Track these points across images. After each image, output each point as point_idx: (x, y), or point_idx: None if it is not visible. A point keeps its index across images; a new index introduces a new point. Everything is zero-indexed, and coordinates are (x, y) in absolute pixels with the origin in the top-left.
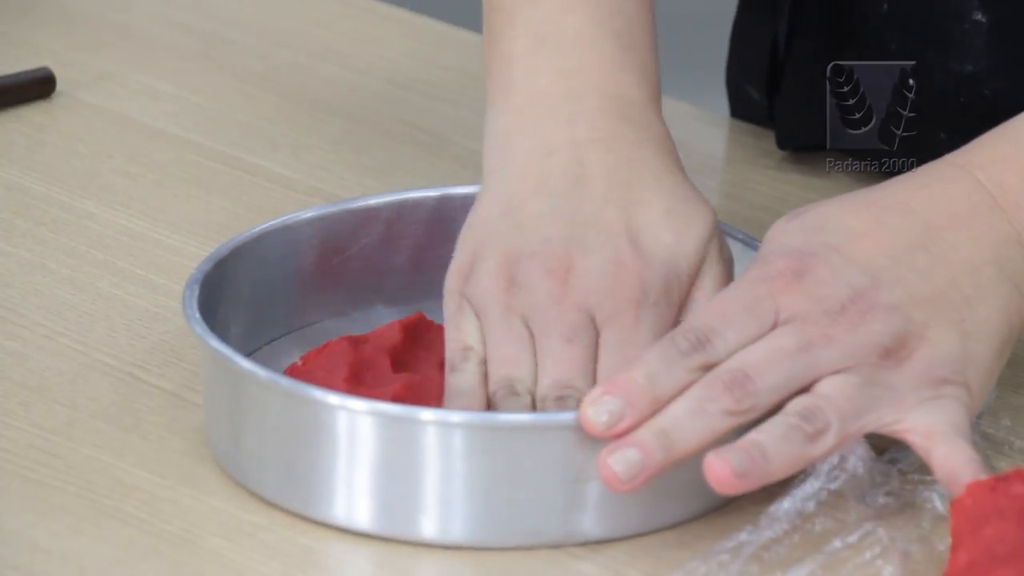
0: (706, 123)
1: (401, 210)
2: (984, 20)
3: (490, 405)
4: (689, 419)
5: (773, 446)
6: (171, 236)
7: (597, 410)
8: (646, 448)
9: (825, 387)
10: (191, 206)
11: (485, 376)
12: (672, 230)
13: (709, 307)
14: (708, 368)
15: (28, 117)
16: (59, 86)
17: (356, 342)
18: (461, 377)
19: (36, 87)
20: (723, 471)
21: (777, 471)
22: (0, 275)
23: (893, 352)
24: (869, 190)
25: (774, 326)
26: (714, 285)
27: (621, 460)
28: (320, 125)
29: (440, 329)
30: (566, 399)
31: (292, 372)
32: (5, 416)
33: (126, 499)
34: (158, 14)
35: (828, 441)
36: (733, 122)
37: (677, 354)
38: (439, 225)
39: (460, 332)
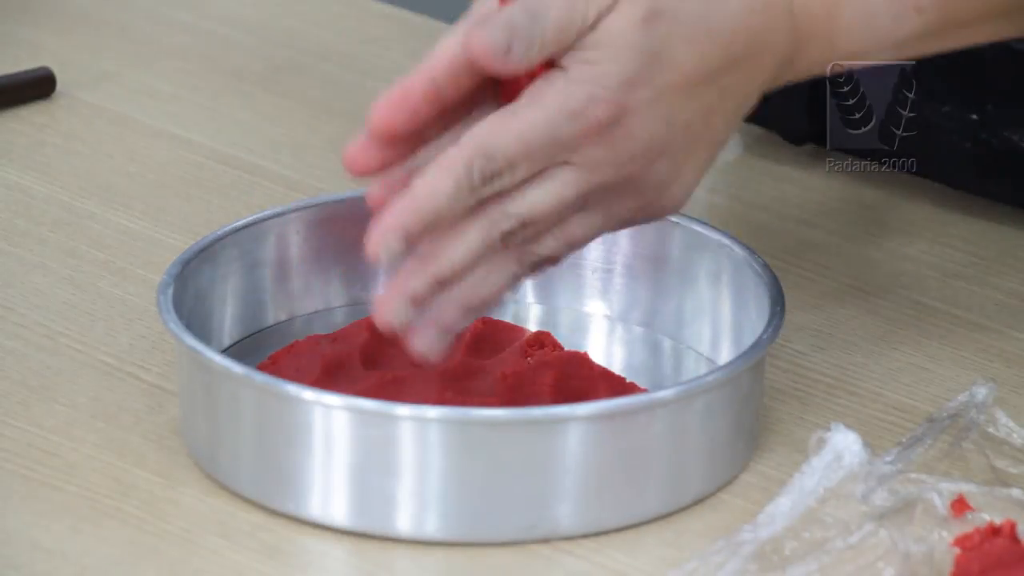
0: None
1: (354, 208)
2: None
3: None
4: (465, 270)
5: None
6: (171, 236)
7: (383, 248)
8: (419, 293)
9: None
10: (191, 206)
11: None
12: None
13: (515, 127)
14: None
15: (28, 117)
16: (59, 86)
17: (324, 340)
18: None
19: (36, 87)
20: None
21: None
22: (0, 275)
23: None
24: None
25: (564, 162)
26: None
27: (394, 312)
28: (320, 125)
29: None
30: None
31: (261, 369)
32: (5, 416)
33: (126, 499)
34: (158, 14)
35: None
36: None
37: (467, 190)
38: None
39: None
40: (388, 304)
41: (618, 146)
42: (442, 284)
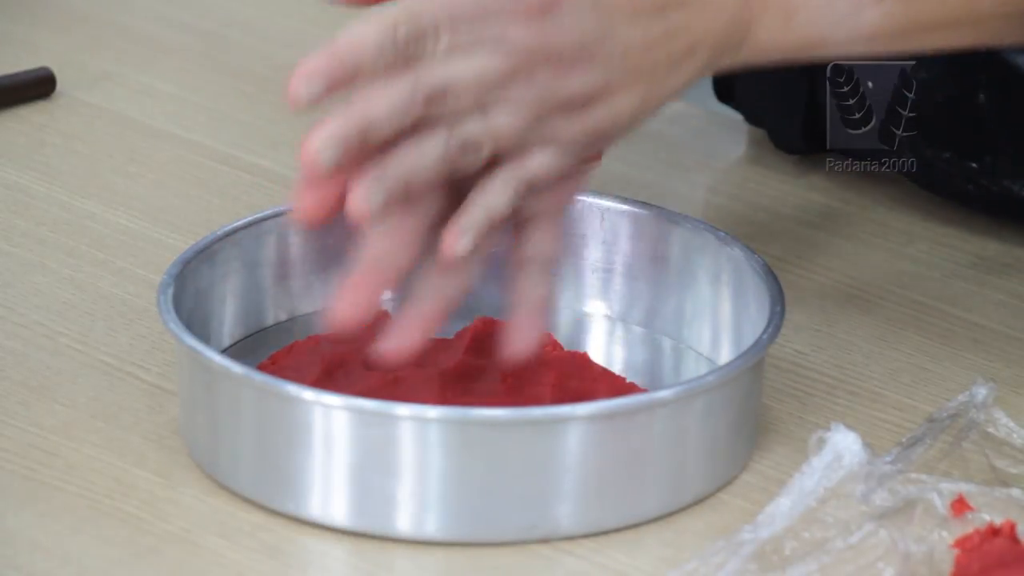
0: (706, 122)
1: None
2: None
3: None
4: (386, 119)
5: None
6: (171, 236)
7: (304, 88)
8: (342, 131)
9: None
10: (191, 206)
11: None
12: None
13: None
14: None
15: (28, 117)
16: (59, 86)
17: (324, 341)
18: None
19: (36, 87)
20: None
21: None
22: (0, 275)
23: (578, 107)
24: None
25: (491, 40)
26: None
27: (318, 146)
28: None
29: None
30: None
31: (261, 369)
32: (5, 416)
33: (126, 499)
34: (158, 14)
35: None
36: (732, 120)
37: (391, 45)
38: None
39: None
40: (314, 140)
41: (547, 33)
42: (364, 133)
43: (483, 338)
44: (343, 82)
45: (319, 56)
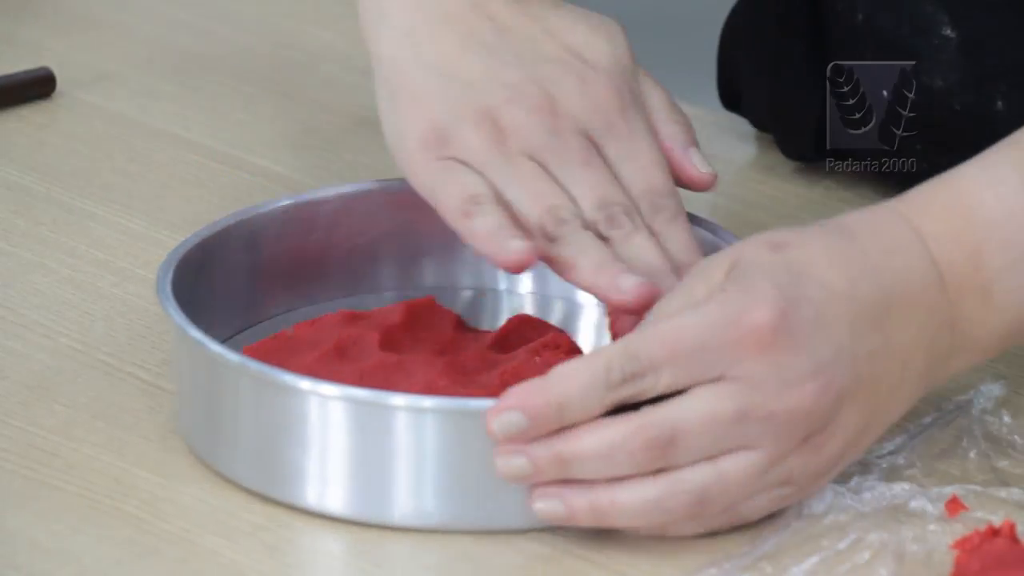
0: (708, 122)
1: (354, 204)
2: (953, 36)
3: (543, 238)
4: (594, 461)
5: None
6: (171, 236)
7: (500, 422)
8: (539, 468)
9: (728, 465)
10: (191, 206)
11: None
12: (603, 38)
13: (663, 330)
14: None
15: (28, 117)
16: (59, 86)
17: (353, 317)
18: (482, 219)
19: (36, 87)
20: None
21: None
22: (0, 275)
23: (812, 439)
24: (843, 238)
25: (719, 376)
26: (662, 105)
27: (509, 464)
28: (320, 125)
29: (446, 313)
30: (615, 216)
31: (278, 339)
32: (5, 416)
33: (126, 499)
34: (158, 14)
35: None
36: (734, 120)
37: (603, 386)
38: (420, 213)
39: (461, 185)
40: (508, 464)
41: (781, 362)
42: (564, 464)
43: (512, 334)
44: (546, 421)
45: (524, 390)
